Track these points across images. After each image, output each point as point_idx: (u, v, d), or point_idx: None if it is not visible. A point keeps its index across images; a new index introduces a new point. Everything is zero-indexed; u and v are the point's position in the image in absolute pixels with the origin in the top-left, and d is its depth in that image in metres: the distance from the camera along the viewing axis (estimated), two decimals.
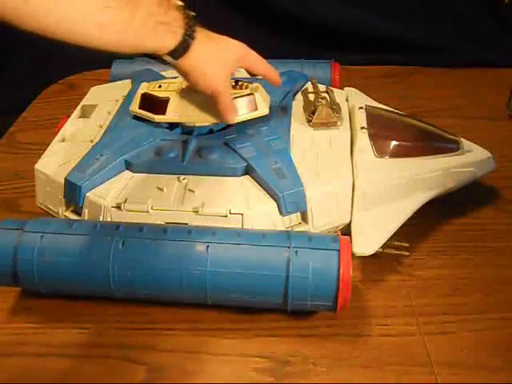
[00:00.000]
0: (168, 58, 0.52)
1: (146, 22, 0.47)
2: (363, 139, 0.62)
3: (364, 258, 0.57)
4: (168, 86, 0.64)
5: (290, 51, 0.98)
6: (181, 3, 0.52)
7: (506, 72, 0.93)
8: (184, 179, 0.58)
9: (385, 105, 0.70)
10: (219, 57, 0.55)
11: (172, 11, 0.50)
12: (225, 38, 0.57)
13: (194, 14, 0.53)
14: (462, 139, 0.64)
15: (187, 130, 0.63)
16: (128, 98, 0.69)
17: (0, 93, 1.04)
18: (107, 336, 0.54)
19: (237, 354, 0.52)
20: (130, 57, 0.82)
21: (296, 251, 0.50)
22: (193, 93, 0.62)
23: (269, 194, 0.56)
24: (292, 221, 0.56)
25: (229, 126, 0.63)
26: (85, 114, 0.72)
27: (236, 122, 0.62)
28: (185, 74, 0.55)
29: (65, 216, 0.59)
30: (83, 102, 0.73)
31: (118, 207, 0.56)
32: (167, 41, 0.50)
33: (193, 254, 0.51)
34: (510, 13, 0.98)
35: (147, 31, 0.48)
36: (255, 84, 0.64)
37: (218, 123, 0.63)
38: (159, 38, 0.50)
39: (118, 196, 0.57)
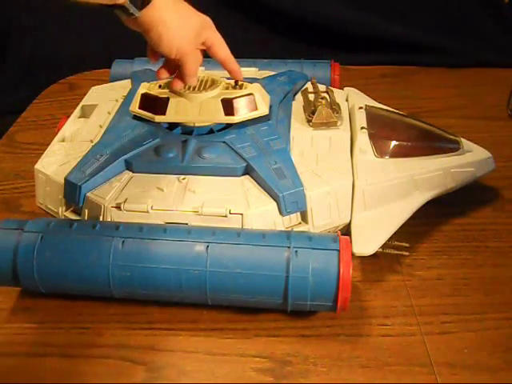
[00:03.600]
0: (130, 8, 0.49)
1: None
2: (363, 139, 0.62)
3: (364, 258, 0.57)
4: (168, 85, 0.64)
5: (290, 51, 0.98)
6: None
7: (506, 72, 0.93)
8: (184, 179, 0.58)
9: (385, 105, 0.70)
10: (185, 17, 0.53)
11: None
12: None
13: None
14: (462, 139, 0.64)
15: (187, 130, 0.63)
16: (128, 98, 0.69)
17: (0, 93, 1.05)
18: (107, 336, 0.54)
19: (236, 353, 0.52)
20: (129, 57, 0.82)
21: (296, 251, 0.50)
22: (193, 93, 0.62)
23: (269, 194, 0.56)
24: (292, 221, 0.56)
25: (229, 125, 0.63)
26: (85, 114, 0.72)
27: (236, 121, 0.62)
28: (147, 29, 0.52)
29: (65, 216, 0.59)
30: (83, 102, 0.73)
31: (118, 207, 0.56)
32: None
33: (193, 253, 0.51)
34: (510, 13, 0.98)
35: None
36: (255, 84, 0.64)
37: (218, 123, 0.63)
38: None
39: (118, 196, 0.57)
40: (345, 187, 0.58)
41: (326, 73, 0.78)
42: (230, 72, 0.61)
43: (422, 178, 0.60)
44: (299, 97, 0.70)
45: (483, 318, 0.54)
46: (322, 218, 0.57)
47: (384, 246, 0.57)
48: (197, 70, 0.58)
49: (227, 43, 0.59)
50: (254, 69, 0.77)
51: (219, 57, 0.59)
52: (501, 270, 0.59)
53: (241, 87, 0.63)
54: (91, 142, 0.64)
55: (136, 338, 0.53)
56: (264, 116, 0.63)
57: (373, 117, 0.66)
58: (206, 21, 0.57)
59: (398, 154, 0.62)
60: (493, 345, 0.52)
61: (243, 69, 0.77)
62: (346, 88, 0.74)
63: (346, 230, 0.58)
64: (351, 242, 0.53)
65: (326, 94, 0.68)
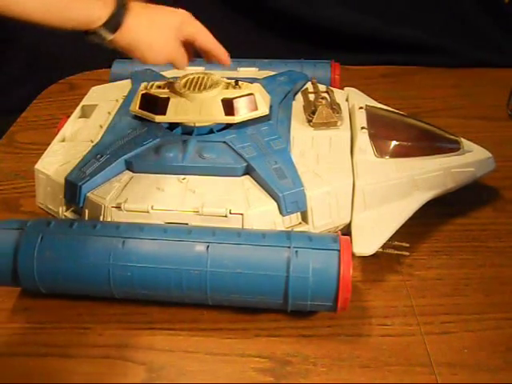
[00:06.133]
0: (104, 32, 0.49)
1: None
2: (363, 139, 0.62)
3: (364, 258, 0.57)
4: (168, 85, 0.64)
5: (290, 51, 0.98)
6: None
7: (506, 72, 0.93)
8: (184, 179, 0.58)
9: (385, 105, 0.70)
10: (160, 24, 0.53)
11: None
12: (163, 6, 0.55)
13: None
14: (462, 139, 0.64)
15: (187, 130, 0.63)
16: (128, 98, 0.69)
17: (0, 93, 1.04)
18: (107, 336, 0.54)
19: (236, 353, 0.52)
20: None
21: (296, 251, 0.50)
22: (193, 93, 0.62)
23: (269, 193, 0.56)
24: (292, 221, 0.56)
25: (229, 125, 0.63)
26: (85, 114, 0.72)
27: (236, 121, 0.62)
28: (129, 50, 0.52)
29: (65, 216, 0.59)
30: (83, 102, 0.73)
31: (118, 207, 0.56)
32: (98, 10, 0.48)
33: (193, 254, 0.51)
34: (510, 13, 0.98)
35: None
36: (255, 84, 0.64)
37: (218, 123, 0.63)
38: (89, 6, 0.47)
39: (118, 196, 0.57)
40: (345, 187, 0.58)
41: (326, 73, 0.78)
42: (218, 58, 0.59)
43: (422, 178, 0.60)
44: (299, 97, 0.70)
45: (483, 318, 0.54)
46: (323, 218, 0.57)
47: (384, 246, 0.57)
48: (187, 62, 0.58)
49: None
50: (254, 69, 0.77)
51: (206, 47, 0.58)
52: (501, 270, 0.59)
53: (241, 87, 0.63)
54: (91, 142, 0.64)
55: (136, 338, 0.53)
56: (264, 116, 0.63)
57: (373, 117, 0.66)
58: (184, 16, 0.56)
59: (398, 154, 0.62)
60: (493, 345, 0.52)
61: (243, 69, 0.77)
62: (346, 88, 0.74)
63: (346, 230, 0.58)
64: (351, 242, 0.53)
65: (326, 94, 0.68)
